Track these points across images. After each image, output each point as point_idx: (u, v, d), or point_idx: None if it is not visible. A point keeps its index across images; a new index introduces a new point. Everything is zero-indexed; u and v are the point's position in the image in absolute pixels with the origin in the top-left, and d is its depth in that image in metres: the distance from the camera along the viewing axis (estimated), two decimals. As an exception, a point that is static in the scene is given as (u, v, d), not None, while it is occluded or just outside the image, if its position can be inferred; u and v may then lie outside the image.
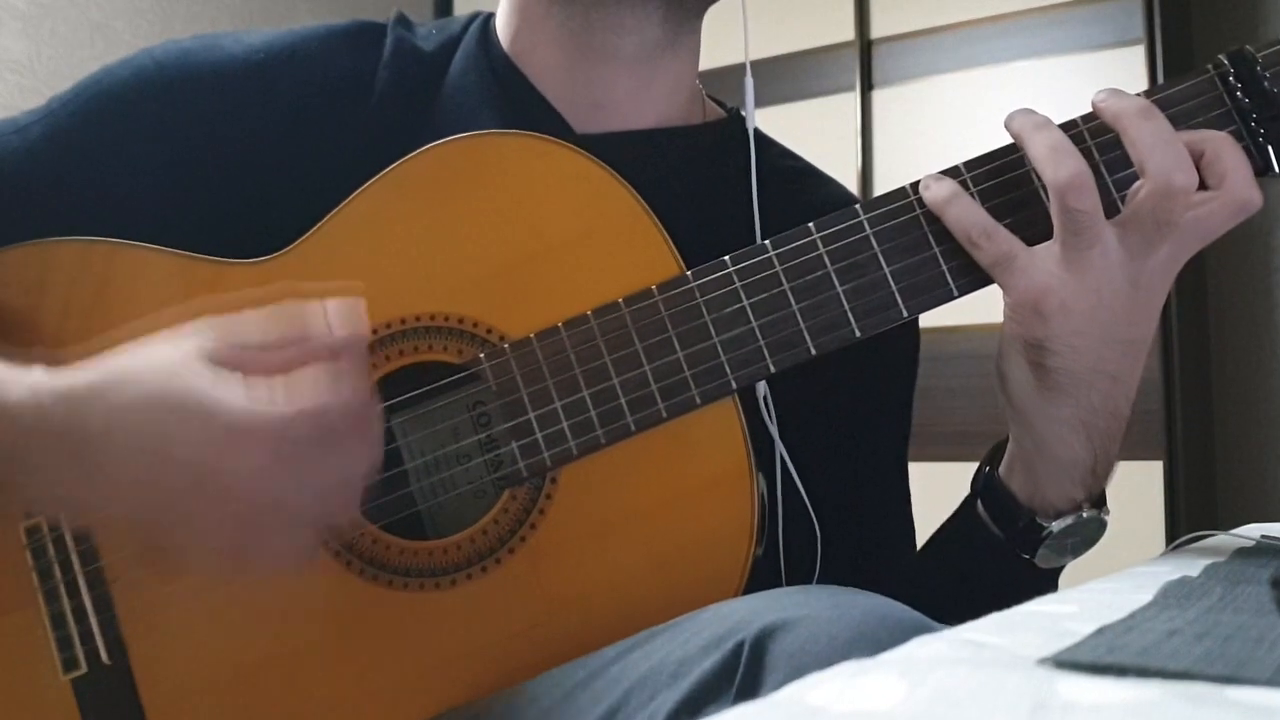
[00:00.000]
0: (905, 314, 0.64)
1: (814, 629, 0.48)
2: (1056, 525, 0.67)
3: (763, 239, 0.67)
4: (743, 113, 0.83)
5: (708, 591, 0.62)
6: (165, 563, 0.60)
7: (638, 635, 0.57)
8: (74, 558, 0.64)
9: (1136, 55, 1.97)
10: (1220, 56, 0.64)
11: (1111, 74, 1.99)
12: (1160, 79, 1.95)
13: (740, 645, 0.49)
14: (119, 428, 0.55)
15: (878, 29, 2.21)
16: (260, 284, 0.66)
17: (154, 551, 0.59)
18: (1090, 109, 0.64)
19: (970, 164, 0.66)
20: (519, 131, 0.68)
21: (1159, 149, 0.60)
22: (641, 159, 0.74)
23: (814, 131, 2.16)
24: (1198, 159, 0.61)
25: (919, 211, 0.65)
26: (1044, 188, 0.62)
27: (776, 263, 0.64)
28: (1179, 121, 0.63)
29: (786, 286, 0.64)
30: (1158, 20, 1.96)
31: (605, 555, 0.64)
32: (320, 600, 0.64)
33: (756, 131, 0.82)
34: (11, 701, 0.65)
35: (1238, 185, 0.60)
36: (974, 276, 0.64)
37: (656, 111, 0.79)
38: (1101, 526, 0.69)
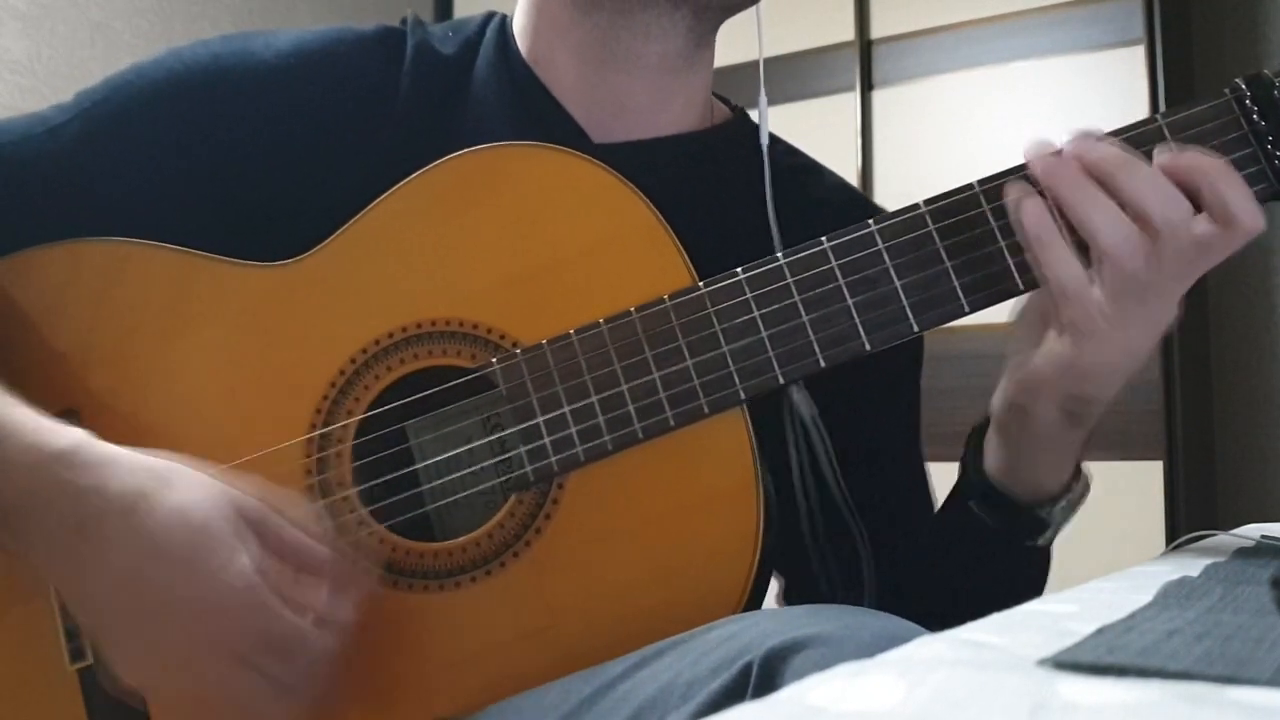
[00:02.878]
0: (916, 328, 0.64)
1: (824, 650, 0.48)
2: (1058, 513, 0.69)
3: (777, 239, 0.67)
4: (749, 111, 0.83)
5: (709, 602, 0.63)
6: (102, 650, 0.62)
7: (644, 651, 0.57)
8: None
9: (1136, 55, 1.97)
10: (1237, 80, 0.64)
11: (1111, 74, 1.99)
12: (1160, 79, 1.95)
13: (749, 666, 0.49)
14: (128, 522, 0.57)
15: (878, 29, 2.21)
16: (290, 286, 0.68)
17: (97, 636, 0.61)
18: (1088, 124, 0.64)
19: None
20: (539, 144, 0.68)
21: (1149, 194, 0.59)
22: (658, 168, 0.75)
23: (814, 131, 2.16)
24: (1194, 190, 0.60)
25: (931, 227, 0.64)
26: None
27: (788, 273, 0.64)
28: (1196, 143, 0.63)
29: (797, 298, 0.64)
30: (1158, 20, 1.96)
31: (608, 563, 0.64)
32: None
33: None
34: (18, 689, 0.65)
35: (1245, 219, 0.59)
36: (986, 292, 0.64)
37: (674, 121, 0.79)
38: (1086, 487, 0.71)
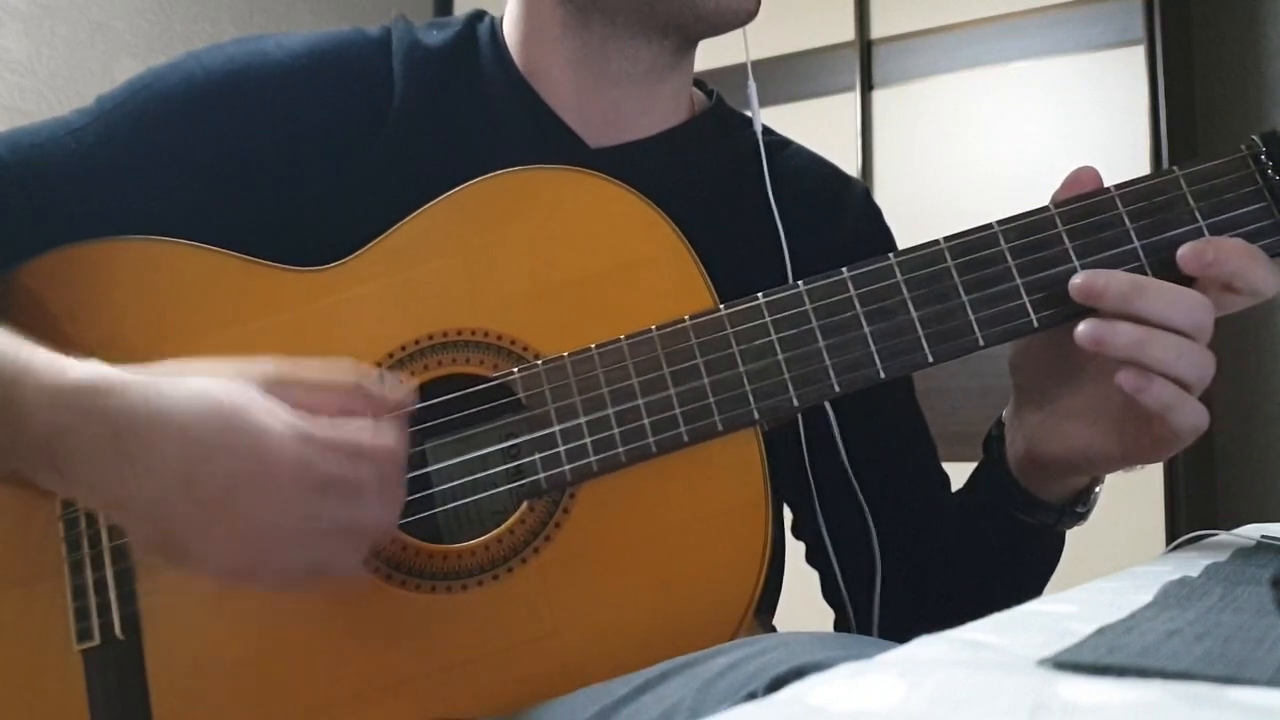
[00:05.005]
0: (931, 360, 0.65)
1: None
2: (1082, 509, 0.73)
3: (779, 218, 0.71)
4: (738, 105, 0.86)
5: (713, 617, 0.63)
6: (172, 557, 0.61)
7: (648, 673, 0.57)
8: (104, 532, 0.66)
9: (1136, 55, 1.97)
10: (1253, 137, 0.65)
11: (1111, 74, 1.99)
12: (1160, 79, 1.95)
13: (754, 695, 0.49)
14: (163, 425, 0.57)
15: (878, 29, 2.21)
16: (320, 290, 0.69)
17: (165, 545, 0.60)
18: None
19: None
20: (571, 167, 0.70)
21: (1174, 314, 0.60)
22: (654, 166, 0.79)
23: (814, 131, 2.15)
24: (1227, 278, 0.61)
25: (950, 262, 0.65)
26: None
27: (807, 300, 0.66)
28: (1212, 196, 0.64)
29: (815, 324, 0.65)
30: (1158, 20, 1.96)
31: (615, 574, 0.65)
32: (333, 595, 0.65)
33: (738, 114, 0.87)
34: (21, 667, 0.66)
35: (1270, 290, 0.61)
36: (1001, 328, 0.64)
37: (663, 119, 0.82)
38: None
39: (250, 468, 0.56)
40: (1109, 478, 0.73)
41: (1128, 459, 0.66)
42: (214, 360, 0.60)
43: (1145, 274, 0.63)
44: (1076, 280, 0.62)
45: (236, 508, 0.57)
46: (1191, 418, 0.61)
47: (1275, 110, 2.14)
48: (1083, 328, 0.61)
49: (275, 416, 0.57)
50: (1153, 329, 0.60)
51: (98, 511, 0.64)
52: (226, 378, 0.59)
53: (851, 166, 2.15)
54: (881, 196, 2.18)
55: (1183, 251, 0.61)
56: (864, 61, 2.21)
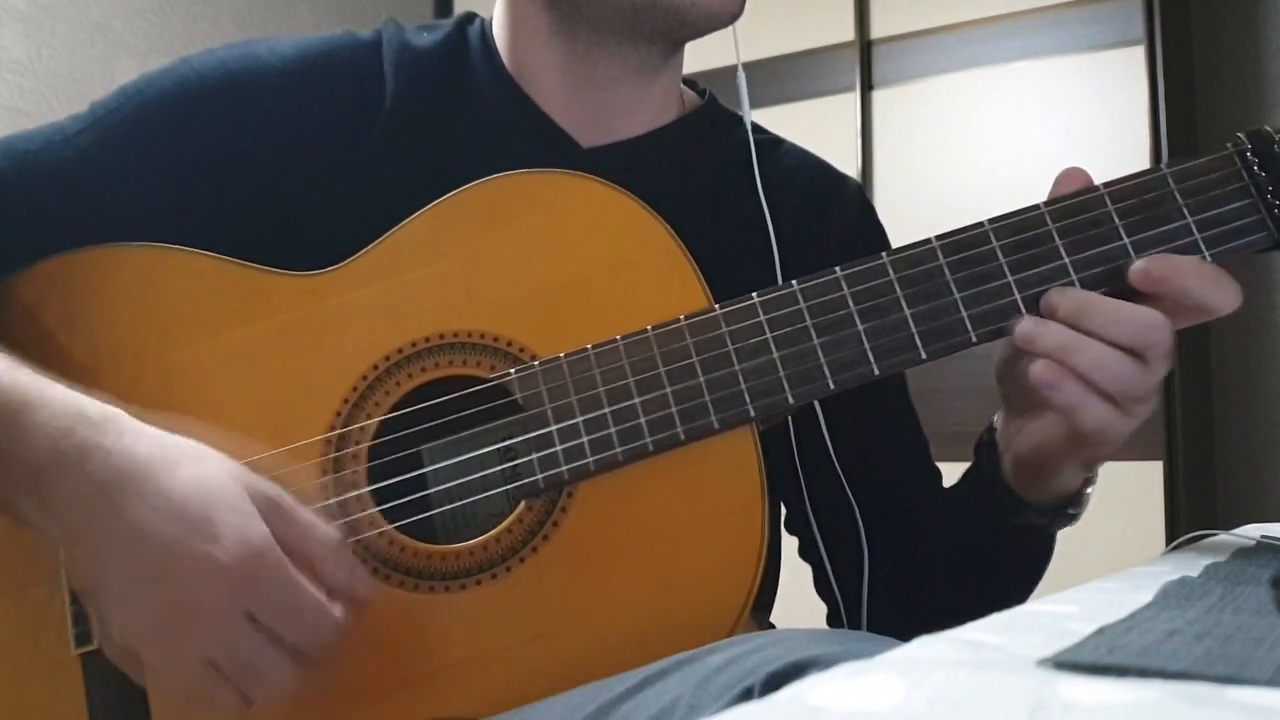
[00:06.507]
0: (924, 356, 0.65)
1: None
2: (1073, 510, 0.73)
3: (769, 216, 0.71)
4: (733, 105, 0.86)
5: (711, 615, 0.64)
6: (103, 617, 0.62)
7: (646, 670, 0.57)
8: None
9: (1136, 55, 1.97)
10: (1239, 134, 0.65)
11: (1111, 74, 1.99)
12: (1160, 79, 1.95)
13: (750, 691, 0.49)
14: (148, 497, 0.58)
15: (878, 29, 2.21)
16: (316, 294, 0.69)
17: (96, 596, 0.61)
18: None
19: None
20: (567, 171, 0.71)
21: (1123, 332, 0.61)
22: (646, 164, 0.79)
23: (814, 131, 2.15)
24: (1177, 295, 0.62)
25: (942, 260, 0.66)
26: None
27: (801, 299, 0.66)
28: (1199, 193, 0.64)
29: (809, 323, 0.66)
30: (1158, 20, 1.96)
31: (612, 573, 0.65)
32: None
33: (730, 113, 0.87)
34: (20, 671, 0.66)
35: (1226, 307, 0.63)
36: (993, 326, 0.65)
37: (653, 117, 0.83)
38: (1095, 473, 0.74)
39: (209, 546, 0.57)
40: (1108, 477, 0.73)
41: (1074, 455, 0.67)
42: (231, 459, 0.61)
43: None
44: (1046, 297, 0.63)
45: (172, 579, 0.57)
46: (1092, 420, 0.61)
47: (1275, 110, 2.14)
48: (1019, 326, 0.63)
49: (258, 519, 0.58)
50: (1081, 336, 0.61)
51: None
52: (233, 475, 0.59)
53: (851, 167, 2.16)
54: (881, 197, 2.19)
55: (1133, 270, 0.62)
56: (864, 61, 2.21)
